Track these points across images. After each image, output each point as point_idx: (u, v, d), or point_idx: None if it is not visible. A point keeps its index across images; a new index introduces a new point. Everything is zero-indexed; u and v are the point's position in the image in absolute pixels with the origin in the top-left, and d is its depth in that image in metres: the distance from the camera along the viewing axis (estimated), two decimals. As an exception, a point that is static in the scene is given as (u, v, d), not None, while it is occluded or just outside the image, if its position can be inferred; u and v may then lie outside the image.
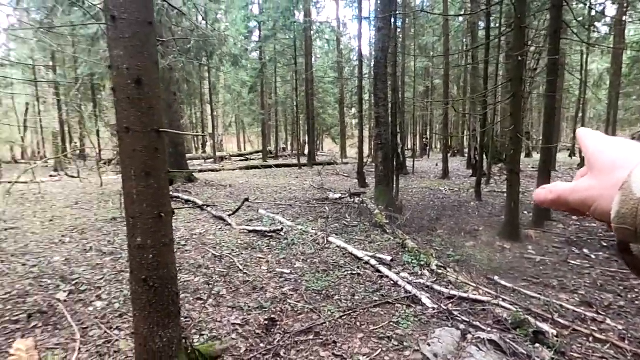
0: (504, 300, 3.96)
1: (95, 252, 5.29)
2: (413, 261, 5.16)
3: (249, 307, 3.78)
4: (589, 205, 0.34)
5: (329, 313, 3.69)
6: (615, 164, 0.33)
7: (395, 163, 9.02)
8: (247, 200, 7.71)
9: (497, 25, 12.83)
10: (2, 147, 22.20)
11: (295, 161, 20.20)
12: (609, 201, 0.32)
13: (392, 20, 7.75)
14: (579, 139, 0.40)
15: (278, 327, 3.42)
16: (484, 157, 11.87)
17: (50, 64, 20.29)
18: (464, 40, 20.73)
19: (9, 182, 9.64)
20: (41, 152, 23.37)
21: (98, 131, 17.09)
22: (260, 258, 5.27)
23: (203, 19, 11.95)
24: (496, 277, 4.69)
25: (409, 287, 4.21)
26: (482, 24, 15.87)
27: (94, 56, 14.47)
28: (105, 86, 18.24)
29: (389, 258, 5.13)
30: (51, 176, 14.10)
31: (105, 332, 3.23)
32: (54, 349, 2.99)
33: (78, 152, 18.95)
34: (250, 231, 6.50)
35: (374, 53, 23.11)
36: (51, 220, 7.14)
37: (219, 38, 11.33)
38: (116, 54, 2.03)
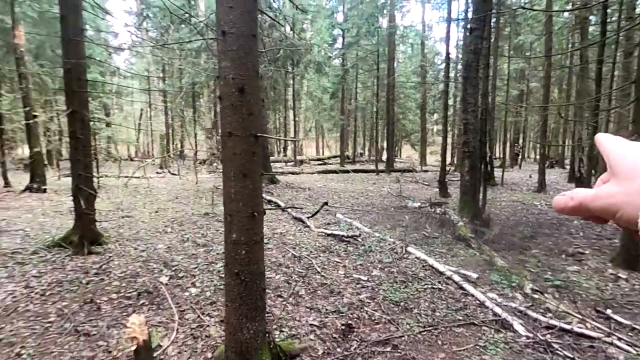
0: (619, 339, 3.38)
1: (191, 243, 5.88)
2: (502, 281, 4.70)
3: (326, 310, 3.82)
4: (613, 212, 0.34)
5: (408, 326, 3.55)
6: (638, 169, 0.33)
7: (482, 173, 8.37)
8: (326, 204, 7.85)
9: (616, 18, 11.12)
10: (122, 147, 26.17)
11: (372, 167, 20.02)
12: (635, 208, 0.31)
13: (487, 19, 7.22)
14: (599, 145, 0.39)
15: (355, 334, 3.39)
16: (592, 169, 10.35)
17: (161, 75, 23.34)
18: (570, 37, 18.40)
19: (126, 177, 11.30)
20: (150, 152, 26.94)
21: (196, 134, 19.10)
22: (337, 262, 5.31)
23: (291, 29, 12.59)
24: (609, 311, 4.02)
25: (497, 310, 3.84)
26: (593, 18, 13.93)
27: (196, 67, 16.19)
28: (203, 94, 20.35)
29: (474, 275, 4.76)
30: (157, 173, 16.14)
31: (199, 316, 3.55)
32: (157, 326, 3.38)
33: (178, 152, 21.43)
34: (327, 234, 6.60)
35: (461, 56, 21.83)
36: (156, 212, 8.14)
37: (305, 47, 11.80)
38: (224, 65, 2.23)
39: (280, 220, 7.70)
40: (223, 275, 4.58)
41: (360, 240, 6.28)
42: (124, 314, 3.60)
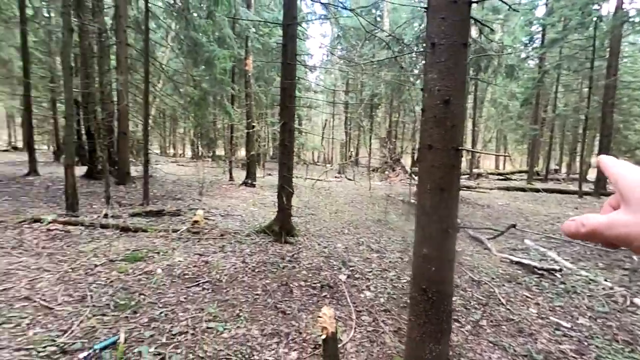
0: None
1: (365, 247, 6.17)
2: None
3: (514, 351, 3.30)
4: (629, 242, 0.33)
5: (639, 406, 2.67)
6: None
7: None
8: (513, 226, 6.87)
9: None
10: (308, 152, 30.17)
11: (573, 187, 16.37)
12: None
13: None
14: (604, 168, 0.39)
15: (555, 391, 2.79)
16: None
17: (344, 88, 25.68)
18: None
19: (312, 179, 12.90)
20: (330, 158, 30.04)
21: (370, 143, 20.12)
22: (527, 297, 4.54)
23: (480, 33, 11.64)
24: None
25: None
26: None
27: (376, 80, 17.01)
28: (380, 105, 21.24)
29: None
30: (335, 177, 17.79)
31: (374, 320, 3.66)
32: (337, 321, 3.66)
33: (354, 159, 23.06)
34: (513, 262, 5.75)
35: None
36: (335, 213, 8.94)
37: (496, 50, 10.70)
38: (430, 77, 2.21)
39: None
40: (396, 285, 4.62)
41: (559, 276, 5.19)
42: (310, 301, 4.07)
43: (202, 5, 10.18)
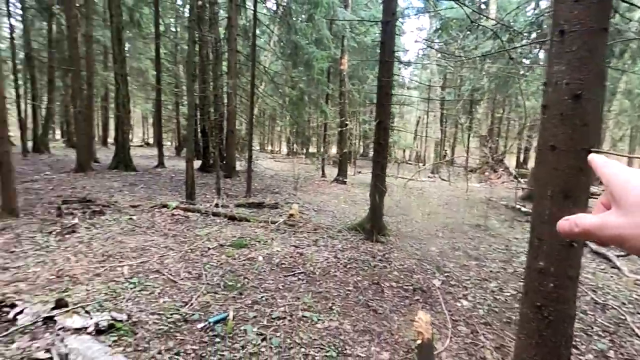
0: None
1: (462, 253, 5.78)
2: None
3: (654, 393, 2.75)
4: (622, 243, 0.34)
5: None
6: None
7: None
8: (653, 243, 5.69)
9: None
10: (400, 151, 29.41)
11: None
12: None
13: None
14: (596, 168, 0.39)
15: None
16: None
17: (441, 83, 24.29)
18: None
19: (403, 178, 12.56)
20: (423, 156, 28.84)
21: (469, 142, 18.68)
22: (673, 331, 3.72)
23: (615, 11, 9.79)
24: None
25: None
26: None
27: (478, 74, 15.73)
28: (482, 101, 19.54)
29: None
30: (428, 177, 17.00)
31: (472, 333, 3.41)
32: (433, 327, 3.51)
33: (450, 159, 21.70)
34: (653, 287, 4.77)
35: None
36: (428, 215, 8.56)
37: (637, 31, 8.91)
38: (557, 69, 1.96)
39: (573, 251, 6.25)
40: (498, 297, 4.23)
41: None
42: (402, 303, 3.98)
43: (302, 9, 10.70)
